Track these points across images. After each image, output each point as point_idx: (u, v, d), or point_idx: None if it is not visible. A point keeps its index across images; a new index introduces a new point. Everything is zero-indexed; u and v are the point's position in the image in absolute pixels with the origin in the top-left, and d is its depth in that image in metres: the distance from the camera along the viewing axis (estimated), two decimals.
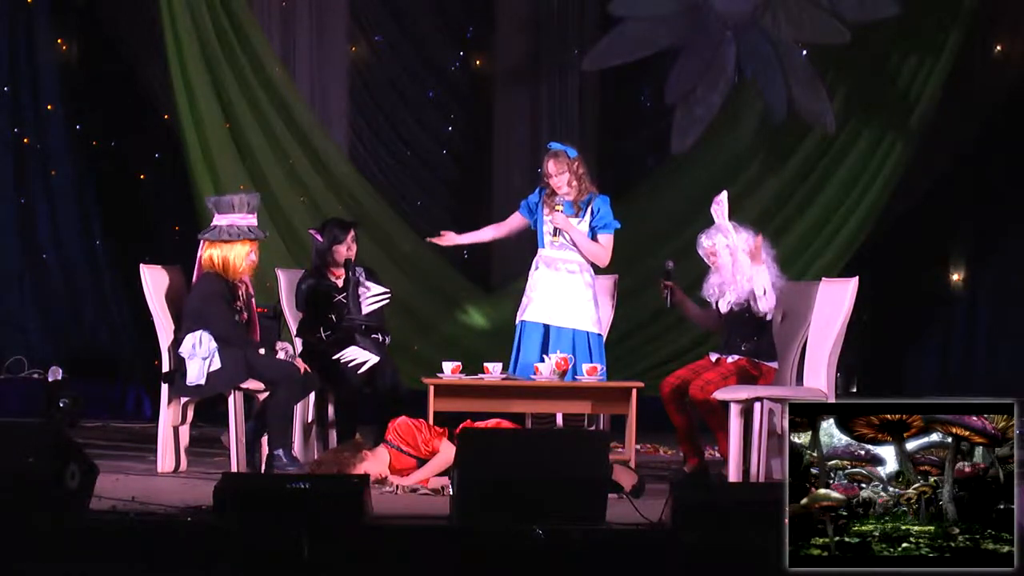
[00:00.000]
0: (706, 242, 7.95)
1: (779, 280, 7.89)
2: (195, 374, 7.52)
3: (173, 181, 11.19)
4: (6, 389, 10.37)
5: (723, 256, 7.90)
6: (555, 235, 8.20)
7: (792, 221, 11.36)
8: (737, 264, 7.86)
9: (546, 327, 8.18)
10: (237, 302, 7.66)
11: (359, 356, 8.06)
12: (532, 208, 8.31)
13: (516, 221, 8.42)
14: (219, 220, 7.67)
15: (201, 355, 7.51)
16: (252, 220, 7.70)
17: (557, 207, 8.15)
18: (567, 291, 8.20)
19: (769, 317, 7.85)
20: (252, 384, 7.61)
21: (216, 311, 7.60)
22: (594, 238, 8.24)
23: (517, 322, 8.28)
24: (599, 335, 8.25)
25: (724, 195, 7.96)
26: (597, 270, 8.35)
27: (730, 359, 7.87)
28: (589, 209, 8.20)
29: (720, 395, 7.64)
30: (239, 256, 7.63)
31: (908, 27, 11.19)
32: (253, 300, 7.82)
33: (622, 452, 7.75)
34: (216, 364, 7.52)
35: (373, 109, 11.56)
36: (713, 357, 7.96)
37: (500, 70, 11.79)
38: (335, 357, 8.02)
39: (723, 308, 7.92)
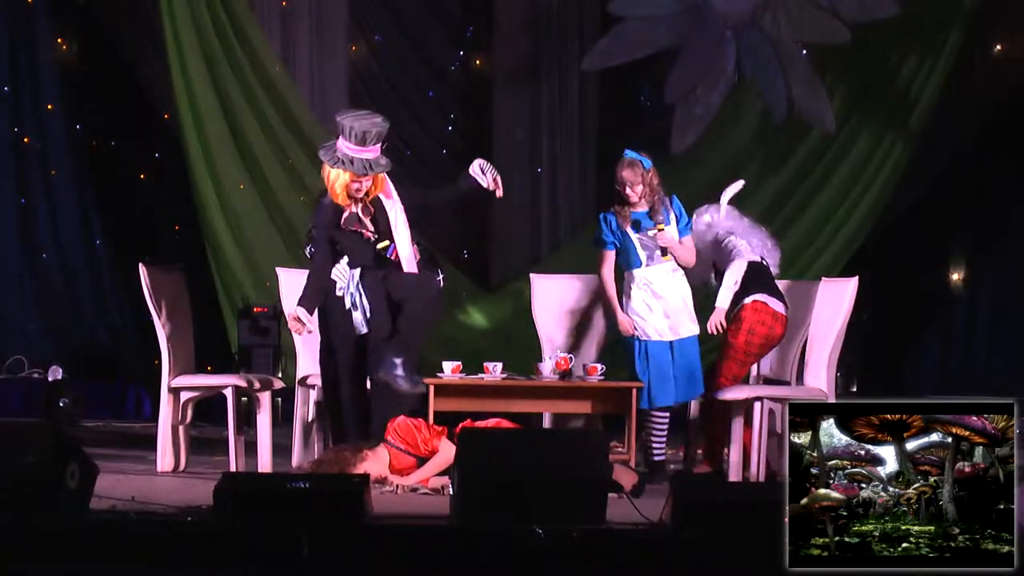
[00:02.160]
0: (704, 218, 8.04)
1: (767, 250, 7.95)
2: (358, 322, 7.50)
3: (173, 181, 11.19)
4: (6, 389, 10.38)
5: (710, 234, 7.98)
6: (664, 255, 7.76)
7: (792, 221, 11.36)
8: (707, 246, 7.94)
9: (670, 343, 7.80)
10: (354, 225, 7.54)
11: None
12: (616, 232, 7.79)
13: (611, 259, 7.88)
14: (339, 142, 7.58)
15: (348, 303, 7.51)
16: (364, 152, 7.51)
17: (660, 227, 7.72)
18: (681, 298, 7.83)
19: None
20: (241, 380, 7.66)
21: (317, 237, 7.60)
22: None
23: (640, 341, 7.76)
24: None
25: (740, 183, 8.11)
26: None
27: (731, 333, 7.80)
28: (672, 215, 7.82)
29: (720, 395, 7.65)
30: (337, 181, 7.51)
31: (908, 27, 11.19)
32: (395, 213, 7.54)
33: (622, 452, 7.76)
34: (351, 307, 7.49)
35: (373, 109, 11.51)
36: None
37: (500, 70, 11.79)
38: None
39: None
